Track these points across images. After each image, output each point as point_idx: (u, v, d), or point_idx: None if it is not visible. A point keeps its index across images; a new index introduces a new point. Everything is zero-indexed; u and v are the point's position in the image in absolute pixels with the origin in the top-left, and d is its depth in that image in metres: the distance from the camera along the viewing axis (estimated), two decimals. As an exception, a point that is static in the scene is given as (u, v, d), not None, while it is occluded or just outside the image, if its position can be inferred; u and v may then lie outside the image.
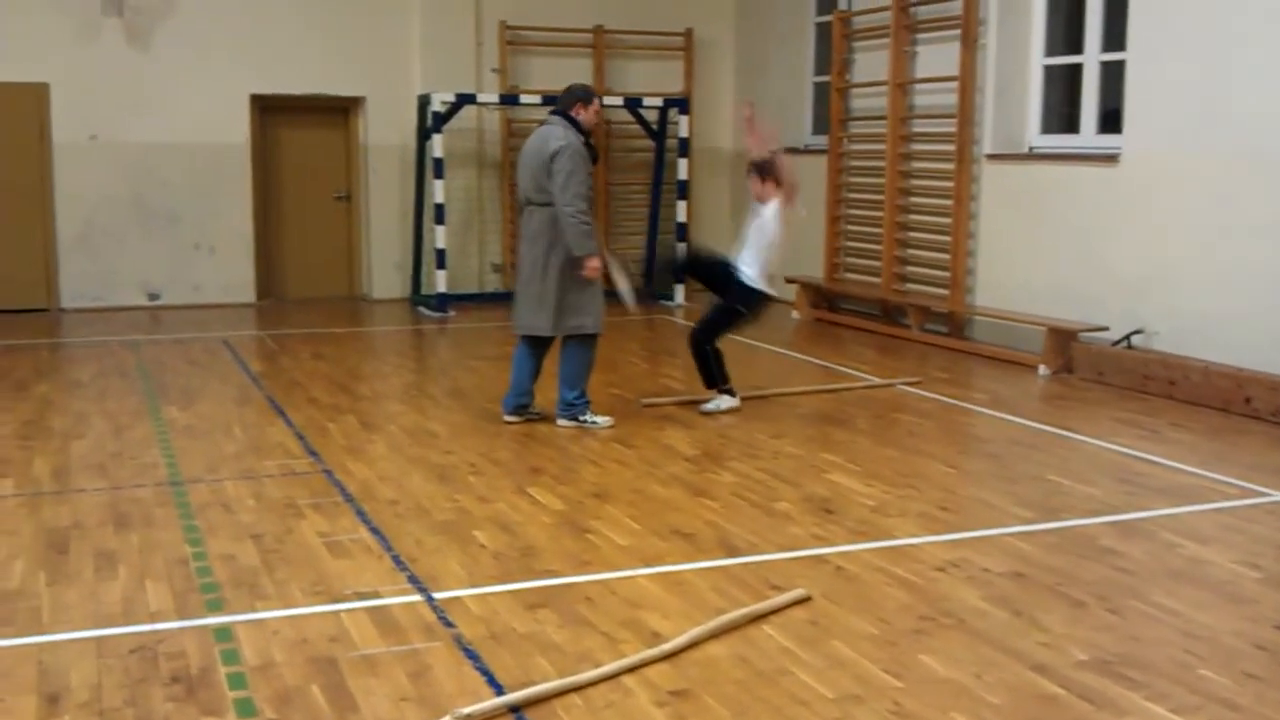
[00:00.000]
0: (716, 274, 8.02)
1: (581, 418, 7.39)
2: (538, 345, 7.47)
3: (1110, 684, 3.90)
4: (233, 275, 12.98)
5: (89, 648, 4.14)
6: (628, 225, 14.11)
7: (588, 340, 7.37)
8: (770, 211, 7.78)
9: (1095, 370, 9.03)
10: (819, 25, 13.40)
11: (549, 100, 12.67)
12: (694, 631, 4.23)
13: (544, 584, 4.80)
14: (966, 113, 10.59)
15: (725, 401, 7.87)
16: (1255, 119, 8.20)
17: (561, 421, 7.41)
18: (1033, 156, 10.33)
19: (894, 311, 11.60)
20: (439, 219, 12.29)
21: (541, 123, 7.44)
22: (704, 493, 6.09)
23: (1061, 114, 10.42)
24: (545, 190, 7.14)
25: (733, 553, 5.18)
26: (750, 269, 7.79)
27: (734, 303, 7.85)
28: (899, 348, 10.66)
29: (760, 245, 7.78)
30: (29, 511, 5.70)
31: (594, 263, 7.15)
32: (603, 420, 7.41)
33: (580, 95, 7.32)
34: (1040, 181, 10.06)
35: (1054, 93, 10.46)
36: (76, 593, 4.66)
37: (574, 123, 7.23)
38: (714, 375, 7.92)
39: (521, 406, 7.54)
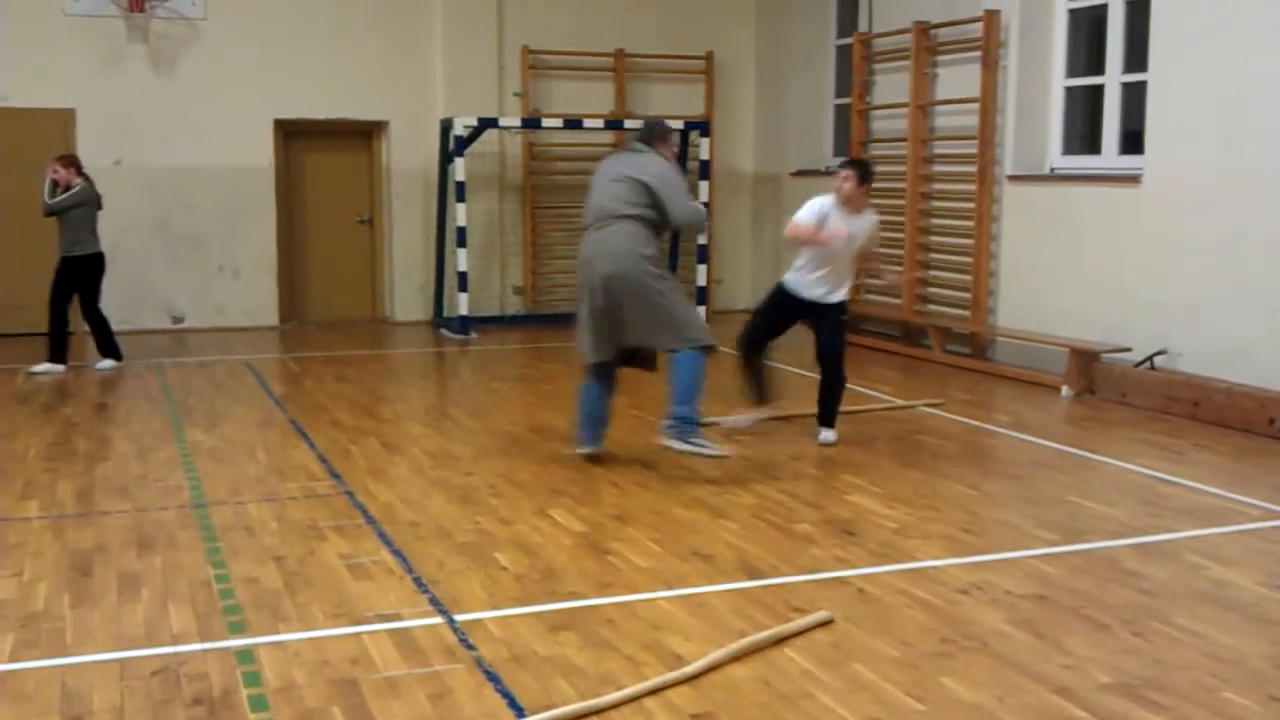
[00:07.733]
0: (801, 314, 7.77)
1: (692, 440, 6.74)
2: (605, 372, 7.06)
3: (1134, 707, 3.88)
4: (256, 298, 13.07)
5: (112, 669, 4.16)
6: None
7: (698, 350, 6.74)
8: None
9: (1118, 391, 8.99)
10: (839, 48, 13.44)
11: (570, 124, 12.79)
12: (716, 654, 4.22)
13: (565, 606, 4.80)
14: (987, 134, 10.59)
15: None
16: (1277, 139, 8.17)
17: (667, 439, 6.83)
18: (1054, 178, 10.32)
19: (915, 333, 11.58)
20: (461, 242, 12.35)
21: (619, 146, 7.08)
22: (725, 515, 6.08)
23: (1083, 135, 10.41)
24: (632, 204, 6.69)
25: (754, 575, 5.17)
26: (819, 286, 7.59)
27: (839, 317, 7.58)
28: (920, 369, 10.64)
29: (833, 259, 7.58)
30: (53, 534, 5.74)
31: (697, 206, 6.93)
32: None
33: (662, 133, 7.00)
34: (1062, 202, 10.04)
35: (1075, 114, 10.45)
36: (100, 615, 4.68)
37: None
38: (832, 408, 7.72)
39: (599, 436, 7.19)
